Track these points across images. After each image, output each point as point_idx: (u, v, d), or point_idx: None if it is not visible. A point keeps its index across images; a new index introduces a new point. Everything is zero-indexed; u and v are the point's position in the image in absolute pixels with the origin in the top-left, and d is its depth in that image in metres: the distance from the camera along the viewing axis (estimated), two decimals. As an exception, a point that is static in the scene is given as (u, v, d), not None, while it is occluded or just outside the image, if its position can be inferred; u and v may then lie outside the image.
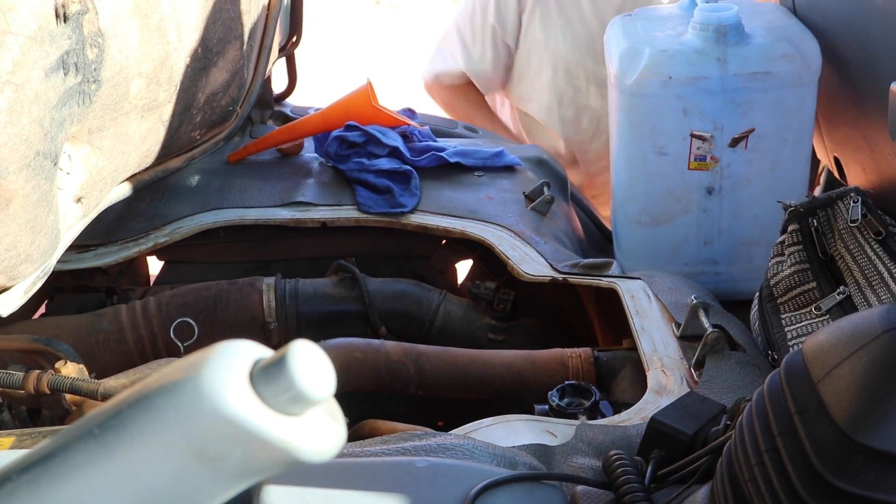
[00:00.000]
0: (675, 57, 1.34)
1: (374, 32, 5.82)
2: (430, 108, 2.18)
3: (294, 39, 1.98)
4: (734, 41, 1.33)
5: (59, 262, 1.18)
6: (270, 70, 1.87)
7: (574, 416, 1.06)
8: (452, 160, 1.69)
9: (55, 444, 0.41)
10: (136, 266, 1.73)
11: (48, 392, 1.07)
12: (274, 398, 0.39)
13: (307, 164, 1.75)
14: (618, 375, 1.22)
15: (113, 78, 1.08)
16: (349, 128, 1.69)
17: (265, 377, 0.39)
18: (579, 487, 0.81)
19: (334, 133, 1.69)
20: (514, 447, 0.90)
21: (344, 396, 0.48)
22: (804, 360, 0.61)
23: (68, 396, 1.10)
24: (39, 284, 1.09)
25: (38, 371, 1.09)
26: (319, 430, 0.41)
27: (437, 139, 1.80)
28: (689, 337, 1.17)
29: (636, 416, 1.02)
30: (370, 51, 5.35)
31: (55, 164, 1.02)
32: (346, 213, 1.57)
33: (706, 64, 1.33)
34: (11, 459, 0.42)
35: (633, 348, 1.19)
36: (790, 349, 1.13)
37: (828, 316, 1.13)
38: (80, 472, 0.40)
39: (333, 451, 0.42)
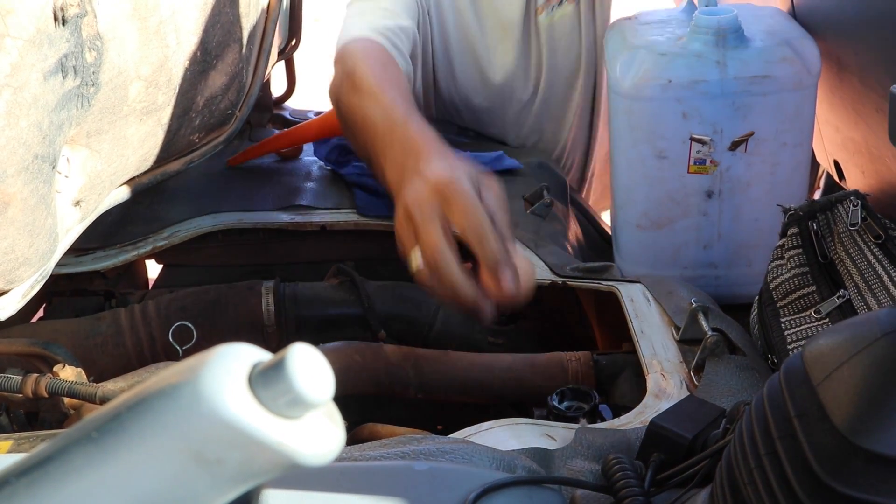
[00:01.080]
0: (675, 60, 1.34)
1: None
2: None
3: (293, 42, 1.98)
4: (734, 45, 1.33)
5: (57, 265, 1.18)
6: (269, 73, 1.87)
7: (573, 420, 1.06)
8: (452, 164, 1.69)
9: (53, 448, 0.41)
10: (134, 269, 1.73)
11: (46, 396, 1.07)
12: (273, 401, 0.39)
13: (306, 167, 1.75)
14: (617, 379, 1.22)
15: (111, 81, 1.08)
16: (349, 132, 1.69)
17: (264, 380, 0.39)
18: (579, 491, 0.81)
19: (334, 141, 1.69)
20: (513, 451, 0.90)
21: (343, 400, 0.48)
22: (804, 364, 0.61)
23: (66, 400, 1.10)
24: (37, 288, 1.09)
25: (36, 375, 1.08)
26: (318, 433, 0.41)
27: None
28: (688, 341, 1.17)
29: (636, 419, 1.02)
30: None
31: (53, 168, 1.02)
32: (346, 216, 1.57)
33: (706, 67, 1.33)
34: (9, 463, 0.42)
35: (633, 352, 1.19)
36: (790, 353, 1.13)
37: (827, 319, 1.12)
38: (78, 476, 0.40)
39: (332, 454, 0.42)
